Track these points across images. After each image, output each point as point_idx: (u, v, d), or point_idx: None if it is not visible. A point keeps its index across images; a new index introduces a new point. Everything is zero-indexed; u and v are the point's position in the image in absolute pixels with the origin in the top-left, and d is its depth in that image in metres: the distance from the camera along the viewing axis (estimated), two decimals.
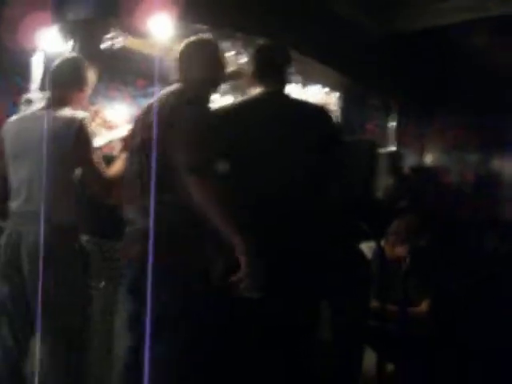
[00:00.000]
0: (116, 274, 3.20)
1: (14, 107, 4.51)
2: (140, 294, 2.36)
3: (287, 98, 3.09)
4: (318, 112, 3.12)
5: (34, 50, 4.22)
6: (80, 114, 3.06)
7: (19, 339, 2.98)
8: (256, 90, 3.09)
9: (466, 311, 2.30)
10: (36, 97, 3.91)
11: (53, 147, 2.90)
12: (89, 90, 3.30)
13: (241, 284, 2.32)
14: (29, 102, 3.92)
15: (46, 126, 2.94)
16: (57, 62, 3.28)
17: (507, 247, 3.99)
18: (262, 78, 3.03)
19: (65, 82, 3.17)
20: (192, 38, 2.91)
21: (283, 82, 3.07)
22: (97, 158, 3.01)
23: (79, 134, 2.97)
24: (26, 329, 2.96)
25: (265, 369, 2.84)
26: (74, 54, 3.91)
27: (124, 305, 2.65)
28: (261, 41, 3.17)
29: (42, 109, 3.14)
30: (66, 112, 3.06)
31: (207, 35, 2.97)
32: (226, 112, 3.11)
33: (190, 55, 2.84)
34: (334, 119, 3.28)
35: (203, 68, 2.80)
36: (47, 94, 3.24)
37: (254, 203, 2.81)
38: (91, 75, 3.27)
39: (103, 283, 3.34)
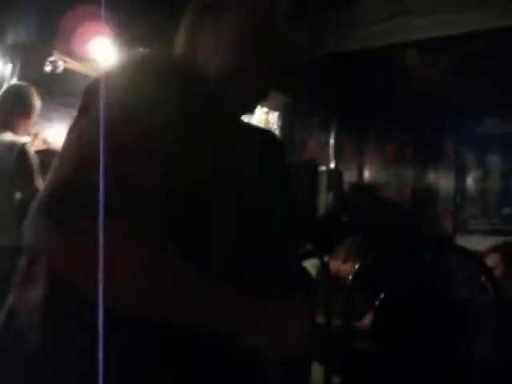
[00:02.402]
0: None
1: None
2: None
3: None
4: (268, 138, 3.18)
5: None
6: (22, 139, 3.09)
7: None
8: None
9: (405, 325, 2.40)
10: None
11: None
12: (34, 117, 3.32)
13: None
14: None
15: None
16: (4, 88, 3.31)
17: (442, 260, 4.14)
18: None
19: (11, 109, 3.20)
20: None
21: None
22: (39, 181, 3.02)
23: (20, 159, 2.98)
24: None
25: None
26: (22, 82, 3.93)
27: None
28: None
29: None
30: (8, 137, 3.08)
31: None
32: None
33: None
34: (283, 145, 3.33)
35: None
36: None
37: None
38: (37, 102, 3.31)
39: None
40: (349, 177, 6.22)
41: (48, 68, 4.32)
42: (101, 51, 4.15)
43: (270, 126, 6.20)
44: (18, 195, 3.12)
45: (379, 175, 6.19)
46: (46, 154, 3.60)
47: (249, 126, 2.19)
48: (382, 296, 2.48)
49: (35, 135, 4.61)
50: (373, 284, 2.89)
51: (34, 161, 3.07)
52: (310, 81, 5.52)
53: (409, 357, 2.39)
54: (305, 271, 3.57)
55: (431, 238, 4.38)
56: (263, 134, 3.18)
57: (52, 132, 5.26)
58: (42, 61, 4.30)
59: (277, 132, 6.19)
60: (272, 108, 6.09)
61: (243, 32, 1.29)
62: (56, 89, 5.40)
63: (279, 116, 6.24)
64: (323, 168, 5.80)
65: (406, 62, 5.48)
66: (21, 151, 3.02)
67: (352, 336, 2.71)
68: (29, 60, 4.39)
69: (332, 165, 6.05)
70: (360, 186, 6.22)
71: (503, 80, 4.99)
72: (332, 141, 6.13)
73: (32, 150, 3.13)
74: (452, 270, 4.33)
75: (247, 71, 1.28)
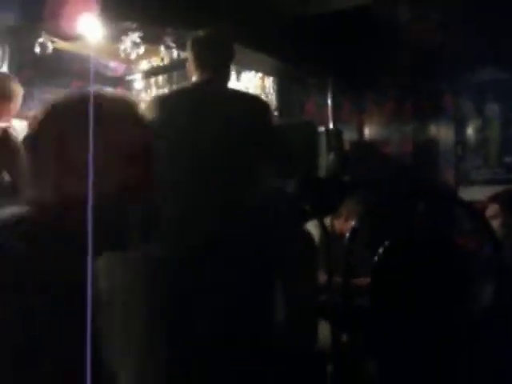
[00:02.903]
0: None
1: None
2: None
3: (222, 87, 3.08)
4: (254, 102, 3.14)
5: None
6: (1, 124, 3.17)
7: None
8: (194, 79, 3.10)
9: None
10: None
11: None
12: (17, 104, 3.36)
13: None
14: None
15: None
16: None
17: (441, 211, 4.15)
18: (198, 68, 3.03)
19: None
20: None
21: (220, 71, 3.05)
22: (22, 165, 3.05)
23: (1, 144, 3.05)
24: None
25: (224, 351, 2.93)
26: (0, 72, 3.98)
27: None
28: (199, 32, 3.12)
29: None
30: None
31: None
32: (159, 100, 3.13)
33: None
34: (270, 110, 3.29)
35: None
36: None
37: (186, 190, 2.85)
38: (18, 89, 3.34)
39: None
40: (349, 136, 6.21)
41: (37, 50, 4.32)
42: (89, 28, 4.14)
43: (266, 91, 6.19)
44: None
45: (379, 133, 6.18)
46: None
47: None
48: (379, 252, 2.50)
49: (34, 118, 4.65)
50: (373, 240, 2.91)
51: (17, 145, 3.10)
52: (304, 42, 5.48)
53: (409, 311, 2.42)
54: (306, 232, 3.61)
55: (431, 190, 4.38)
56: (249, 100, 3.20)
57: None
58: (31, 43, 4.30)
59: (273, 97, 6.19)
60: (267, 73, 6.07)
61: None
62: (49, 70, 5.41)
63: (274, 80, 6.22)
64: (322, 128, 5.79)
65: (397, 17, 5.43)
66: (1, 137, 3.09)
67: (353, 294, 2.74)
68: (17, 44, 4.40)
69: (331, 125, 6.02)
70: (361, 144, 6.21)
71: (497, 27, 4.95)
72: (330, 101, 6.10)
73: (13, 133, 3.18)
74: (452, 222, 4.34)
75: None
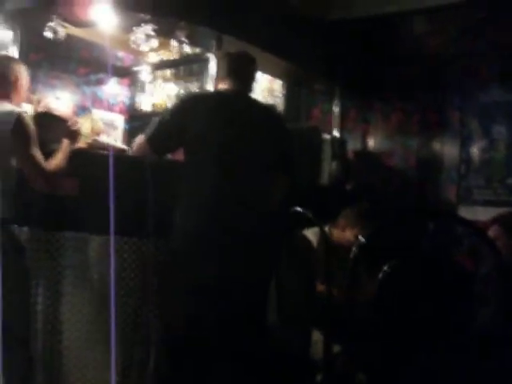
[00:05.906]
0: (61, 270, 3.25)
1: None
2: None
3: (249, 97, 3.40)
4: (274, 112, 3.73)
5: None
6: (18, 108, 3.10)
7: None
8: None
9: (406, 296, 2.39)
10: None
11: None
12: (23, 86, 3.29)
13: None
14: None
15: None
16: None
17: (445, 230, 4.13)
18: (231, 79, 3.37)
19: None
20: None
21: (246, 84, 3.42)
22: (35, 150, 2.99)
23: (16, 128, 2.98)
24: None
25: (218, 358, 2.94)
26: (5, 54, 3.94)
27: None
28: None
29: None
30: (4, 107, 3.08)
31: None
32: (195, 99, 3.37)
33: None
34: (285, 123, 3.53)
35: None
36: None
37: (207, 186, 3.05)
38: (20, 70, 3.27)
39: None
40: (353, 145, 6.19)
41: (48, 34, 4.28)
42: (101, 16, 4.11)
43: (274, 94, 6.16)
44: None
45: (384, 144, 6.15)
46: (46, 117, 3.59)
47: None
48: (385, 268, 2.47)
49: (37, 102, 4.59)
50: (375, 253, 2.88)
51: (31, 129, 3.05)
52: (315, 48, 5.46)
53: (411, 327, 2.40)
54: (305, 239, 3.59)
55: (434, 208, 4.36)
56: (270, 110, 3.48)
57: (54, 99, 5.24)
58: (42, 27, 4.26)
59: (281, 100, 6.16)
60: (276, 76, 6.04)
61: None
62: (56, 55, 5.37)
63: (283, 84, 6.19)
64: (327, 136, 5.76)
65: (412, 30, 5.42)
66: (17, 121, 3.01)
67: (354, 306, 2.70)
68: (29, 26, 4.35)
69: (336, 133, 6.00)
70: (364, 154, 6.18)
71: (509, 47, 4.94)
72: (336, 109, 6.07)
73: (28, 118, 3.10)
74: (455, 240, 4.31)
75: None
